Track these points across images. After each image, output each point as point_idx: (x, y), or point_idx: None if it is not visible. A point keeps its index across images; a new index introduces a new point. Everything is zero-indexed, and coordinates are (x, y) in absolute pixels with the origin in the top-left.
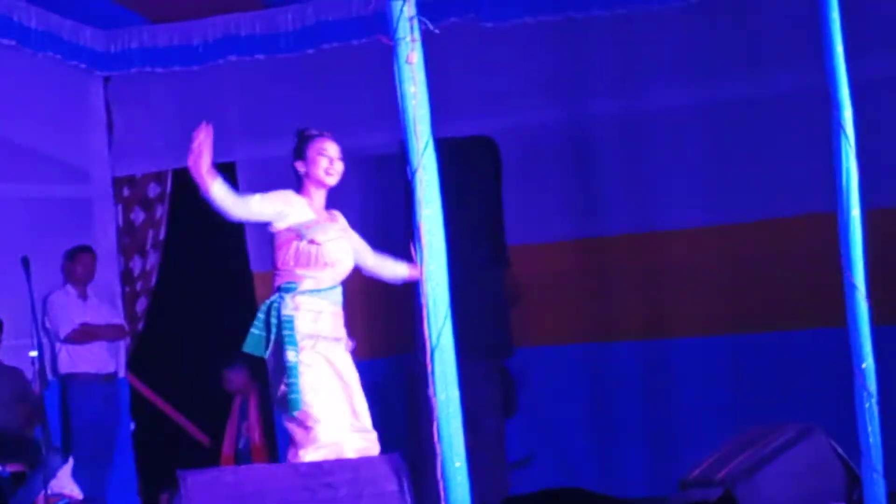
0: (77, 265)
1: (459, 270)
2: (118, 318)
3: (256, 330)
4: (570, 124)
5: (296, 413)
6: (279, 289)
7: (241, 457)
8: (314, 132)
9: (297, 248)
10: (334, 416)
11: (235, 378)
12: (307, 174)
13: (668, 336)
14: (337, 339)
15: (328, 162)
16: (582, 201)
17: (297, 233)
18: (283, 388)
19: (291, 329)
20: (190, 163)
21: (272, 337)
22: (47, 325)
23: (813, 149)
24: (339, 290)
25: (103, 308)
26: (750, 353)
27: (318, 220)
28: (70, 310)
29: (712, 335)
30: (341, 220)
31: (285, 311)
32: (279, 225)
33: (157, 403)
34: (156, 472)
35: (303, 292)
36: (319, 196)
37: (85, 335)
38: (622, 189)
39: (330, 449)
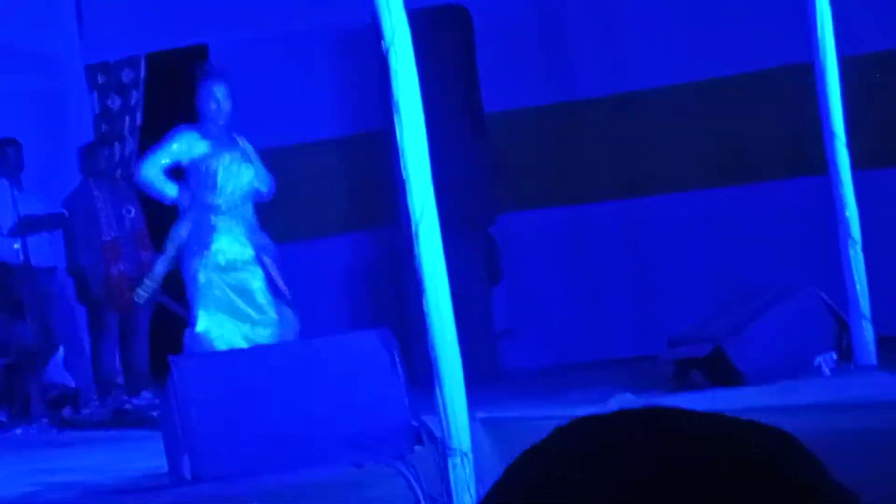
0: None
1: (439, 142)
2: (58, 207)
3: None
4: None
5: None
6: None
7: None
8: None
9: None
10: None
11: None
12: None
13: (648, 194)
14: None
15: None
16: (555, 65)
17: None
18: None
19: None
20: None
21: None
22: None
23: None
24: None
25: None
26: (732, 206)
27: None
28: (6, 202)
29: (694, 190)
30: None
31: None
32: None
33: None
34: None
35: None
36: None
37: (26, 227)
38: (595, 51)
39: None
